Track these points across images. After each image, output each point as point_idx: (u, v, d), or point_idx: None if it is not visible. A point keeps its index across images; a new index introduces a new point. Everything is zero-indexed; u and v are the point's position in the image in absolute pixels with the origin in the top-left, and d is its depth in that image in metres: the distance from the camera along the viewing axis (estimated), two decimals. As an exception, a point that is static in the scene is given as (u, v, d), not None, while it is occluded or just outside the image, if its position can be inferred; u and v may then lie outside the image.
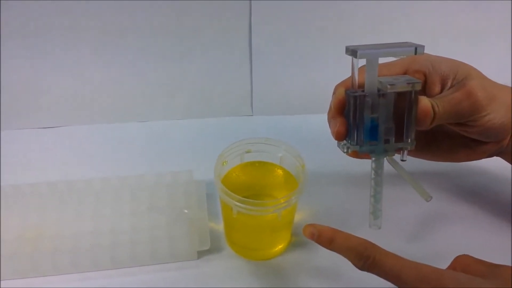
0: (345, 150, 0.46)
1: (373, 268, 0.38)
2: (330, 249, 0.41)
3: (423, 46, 0.41)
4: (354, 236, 0.40)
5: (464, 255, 0.41)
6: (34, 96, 0.72)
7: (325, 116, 0.49)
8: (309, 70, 0.75)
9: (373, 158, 0.45)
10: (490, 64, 0.55)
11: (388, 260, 0.38)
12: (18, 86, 0.70)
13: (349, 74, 0.47)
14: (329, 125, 0.47)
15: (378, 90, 0.42)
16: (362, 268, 0.39)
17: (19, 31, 0.66)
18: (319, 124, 0.62)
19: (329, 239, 0.41)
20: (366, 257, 0.38)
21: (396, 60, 0.49)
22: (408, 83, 0.42)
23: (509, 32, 0.76)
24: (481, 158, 0.53)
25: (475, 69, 0.48)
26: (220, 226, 0.55)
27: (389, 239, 0.53)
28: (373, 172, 0.45)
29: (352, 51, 0.41)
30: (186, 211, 0.54)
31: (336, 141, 0.47)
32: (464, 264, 0.40)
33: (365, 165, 0.48)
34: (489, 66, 0.51)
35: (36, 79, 0.70)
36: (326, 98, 0.51)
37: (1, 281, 0.48)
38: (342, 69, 0.49)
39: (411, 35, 0.53)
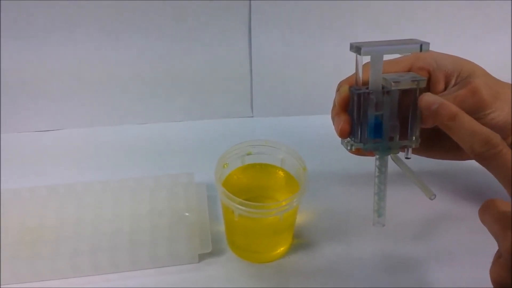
0: (349, 148, 0.45)
1: (495, 158, 0.36)
2: (449, 126, 0.39)
3: (428, 43, 0.41)
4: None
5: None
6: (32, 99, 0.71)
7: (325, 117, 0.49)
8: (309, 71, 0.75)
9: (377, 156, 0.44)
10: (491, 62, 0.55)
11: None
12: (17, 88, 0.70)
13: (350, 74, 0.46)
14: (333, 123, 0.46)
15: (383, 88, 0.42)
16: (482, 154, 0.37)
17: (19, 33, 0.66)
18: (320, 125, 0.62)
19: (452, 113, 0.39)
20: (493, 145, 0.36)
21: (400, 57, 0.49)
22: (413, 81, 0.42)
23: (509, 32, 0.76)
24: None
25: (479, 67, 0.48)
26: (221, 229, 0.54)
27: (392, 237, 0.53)
28: (377, 169, 0.45)
29: (356, 48, 0.40)
30: (187, 214, 0.54)
31: (340, 139, 0.46)
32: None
33: (367, 165, 0.48)
34: (490, 65, 0.51)
35: (34, 81, 0.70)
36: (326, 99, 0.51)
37: (1, 286, 0.47)
38: (343, 70, 0.49)
39: (412, 33, 0.52)
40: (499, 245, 0.36)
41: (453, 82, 0.47)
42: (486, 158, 0.37)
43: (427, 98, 0.41)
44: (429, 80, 0.48)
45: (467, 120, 0.39)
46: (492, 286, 0.35)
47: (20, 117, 0.72)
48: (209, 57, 0.72)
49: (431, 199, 0.43)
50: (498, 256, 0.36)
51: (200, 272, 0.50)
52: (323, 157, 0.63)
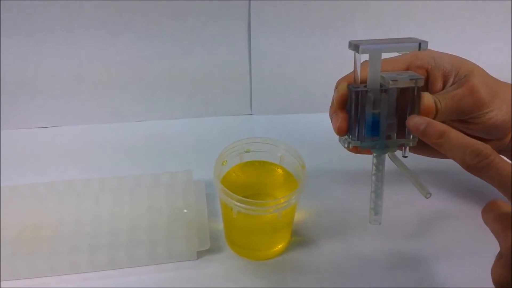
0: (346, 145, 0.45)
1: (488, 168, 0.36)
2: (438, 144, 0.39)
3: (426, 42, 0.41)
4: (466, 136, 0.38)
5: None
6: (31, 96, 0.71)
7: (324, 115, 0.49)
8: (308, 69, 0.75)
9: (374, 154, 0.44)
10: (491, 62, 0.55)
11: (507, 165, 0.36)
12: (16, 85, 0.70)
13: (348, 73, 0.46)
14: (331, 120, 0.46)
15: (381, 86, 0.42)
16: (474, 166, 0.37)
17: (18, 31, 0.66)
18: (319, 123, 0.62)
19: (439, 132, 0.39)
20: (484, 156, 0.36)
21: (399, 55, 0.49)
22: (411, 79, 0.42)
23: (509, 32, 0.76)
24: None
25: (477, 66, 0.48)
26: (219, 226, 0.54)
27: (389, 235, 0.53)
28: (374, 168, 0.45)
29: (355, 46, 0.40)
30: (185, 211, 0.54)
31: (338, 137, 0.46)
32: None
33: (364, 163, 0.48)
34: (490, 65, 0.51)
35: (34, 78, 0.70)
36: (325, 97, 0.51)
37: (0, 282, 0.47)
38: (341, 69, 0.49)
39: (412, 33, 0.52)
40: (500, 245, 0.36)
41: (451, 81, 0.47)
42: (479, 169, 0.37)
43: (415, 120, 0.42)
44: (427, 79, 0.48)
45: (455, 136, 0.39)
46: (493, 286, 0.35)
47: (19, 114, 0.72)
48: (209, 55, 0.72)
49: (427, 198, 0.43)
50: (500, 256, 0.36)
51: (199, 270, 0.50)
52: (322, 155, 0.63)
